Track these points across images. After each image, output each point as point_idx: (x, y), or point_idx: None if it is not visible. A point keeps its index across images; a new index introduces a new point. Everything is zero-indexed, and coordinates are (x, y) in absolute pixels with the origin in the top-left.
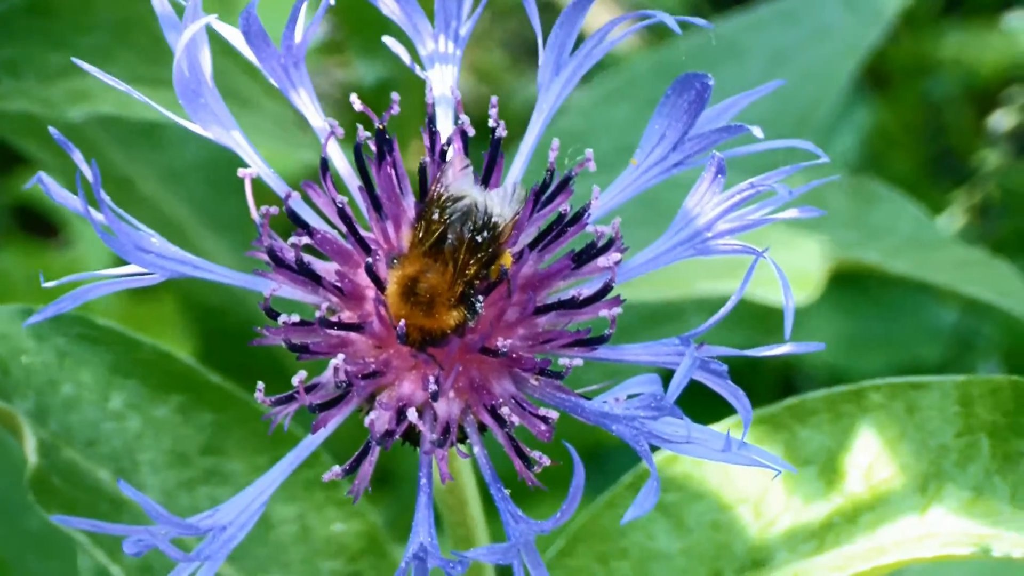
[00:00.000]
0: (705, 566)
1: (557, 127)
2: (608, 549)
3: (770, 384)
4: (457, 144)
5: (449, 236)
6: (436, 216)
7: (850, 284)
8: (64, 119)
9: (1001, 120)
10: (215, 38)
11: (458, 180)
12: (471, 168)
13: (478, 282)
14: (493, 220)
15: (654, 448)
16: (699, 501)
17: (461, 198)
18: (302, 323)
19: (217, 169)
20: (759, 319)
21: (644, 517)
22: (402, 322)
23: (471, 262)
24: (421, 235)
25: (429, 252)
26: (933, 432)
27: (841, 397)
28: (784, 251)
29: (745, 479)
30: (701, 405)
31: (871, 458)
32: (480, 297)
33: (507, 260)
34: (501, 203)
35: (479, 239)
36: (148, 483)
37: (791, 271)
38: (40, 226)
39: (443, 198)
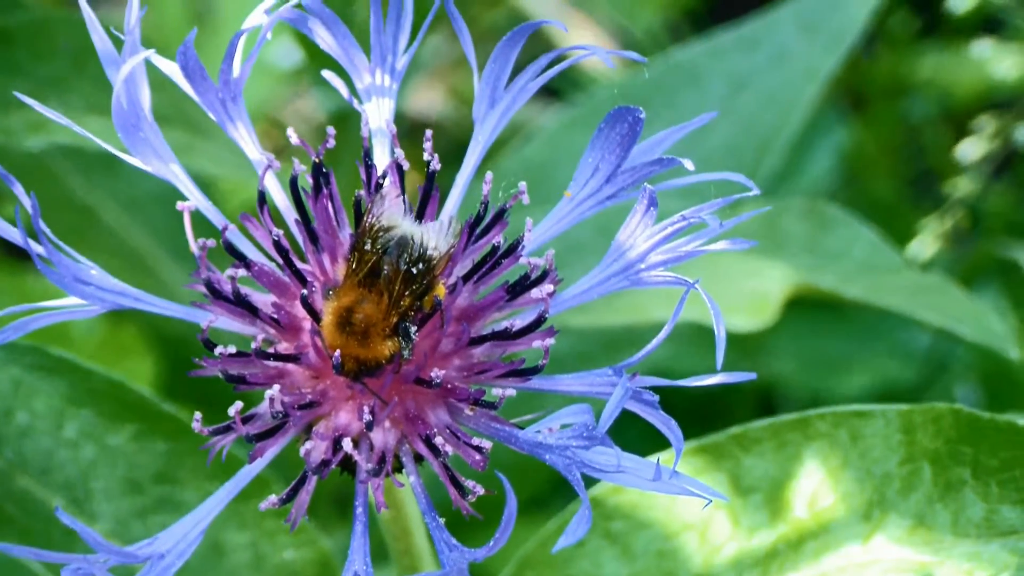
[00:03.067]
0: None
1: (523, 154)
2: None
3: (749, 406)
4: (393, 177)
5: (384, 267)
6: (369, 246)
7: (826, 307)
8: (23, 148)
9: (970, 148)
10: None
11: (391, 210)
12: (403, 199)
13: (412, 313)
14: (428, 252)
15: (588, 478)
16: (646, 529)
17: (392, 228)
18: (239, 354)
19: (176, 199)
20: (734, 344)
21: (592, 545)
22: (337, 352)
23: (406, 293)
24: (355, 266)
25: (364, 283)
26: (877, 460)
27: (786, 426)
28: (743, 277)
29: (691, 507)
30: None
31: (815, 486)
32: (414, 328)
33: (441, 292)
34: (436, 236)
35: (414, 270)
36: (102, 511)
37: (750, 297)
38: (21, 249)
39: (375, 228)
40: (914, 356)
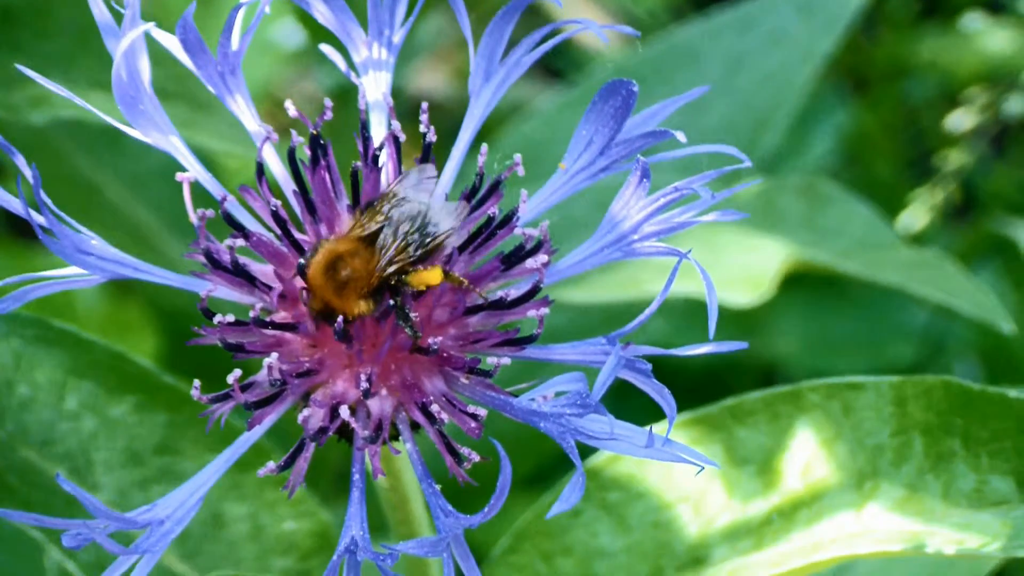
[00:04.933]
0: (647, 563)
1: (522, 132)
2: (552, 547)
3: (751, 386)
4: (389, 149)
5: (385, 230)
6: (385, 209)
7: (827, 288)
8: (30, 124)
9: (960, 119)
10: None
11: (419, 184)
12: (435, 178)
13: (395, 283)
14: (428, 228)
15: (584, 448)
16: (641, 500)
17: (411, 200)
18: (238, 323)
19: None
20: (735, 322)
21: (587, 515)
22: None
23: (396, 259)
24: (364, 221)
25: (364, 239)
26: (869, 432)
27: (779, 398)
28: (739, 252)
29: (686, 479)
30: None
31: (808, 457)
32: (393, 302)
33: (437, 276)
34: (446, 216)
35: (410, 241)
36: (102, 482)
37: (746, 272)
38: (28, 229)
39: (398, 196)
40: (913, 335)
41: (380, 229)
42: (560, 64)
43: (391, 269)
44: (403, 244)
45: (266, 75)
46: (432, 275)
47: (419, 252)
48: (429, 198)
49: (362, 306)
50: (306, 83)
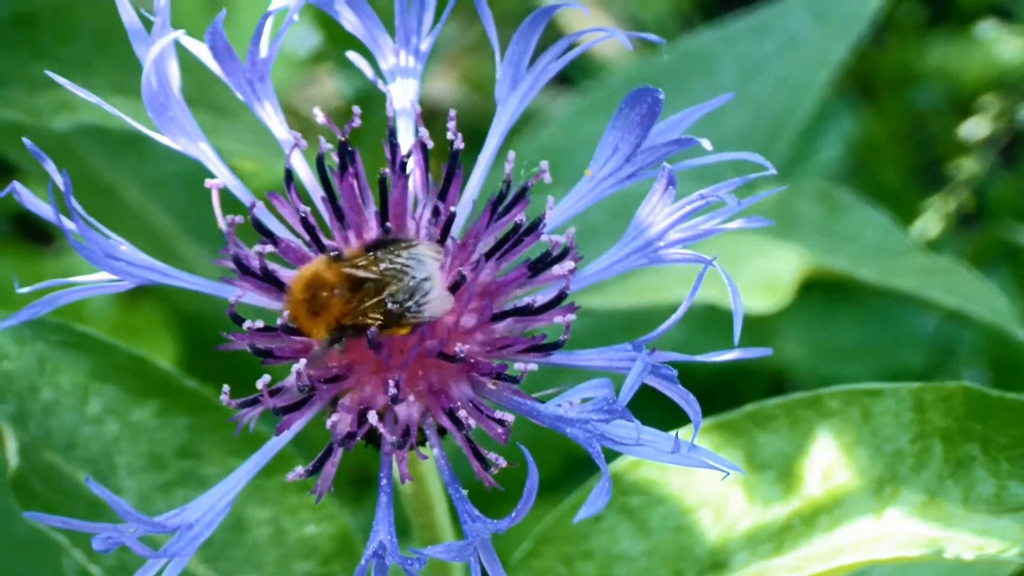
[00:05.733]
0: (667, 568)
1: (538, 141)
2: (573, 551)
3: (761, 393)
4: (417, 156)
5: (370, 284)
6: (385, 262)
7: (836, 293)
8: (49, 129)
9: (974, 128)
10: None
11: (426, 253)
12: (441, 258)
13: (358, 326)
14: (410, 305)
15: (609, 452)
16: (662, 505)
17: (408, 269)
18: (267, 328)
19: (198, 179)
20: (746, 329)
21: (608, 520)
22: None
23: (369, 314)
24: (361, 262)
25: (352, 278)
26: (888, 437)
27: (799, 403)
28: (757, 259)
29: (706, 483)
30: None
31: (828, 462)
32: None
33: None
34: (432, 296)
35: (391, 306)
36: (125, 486)
37: (764, 278)
38: (38, 234)
39: (405, 250)
40: (922, 342)
41: (367, 279)
42: (571, 71)
43: (360, 320)
44: (381, 303)
45: (277, 82)
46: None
47: (390, 319)
48: (428, 277)
49: (322, 334)
50: (315, 89)
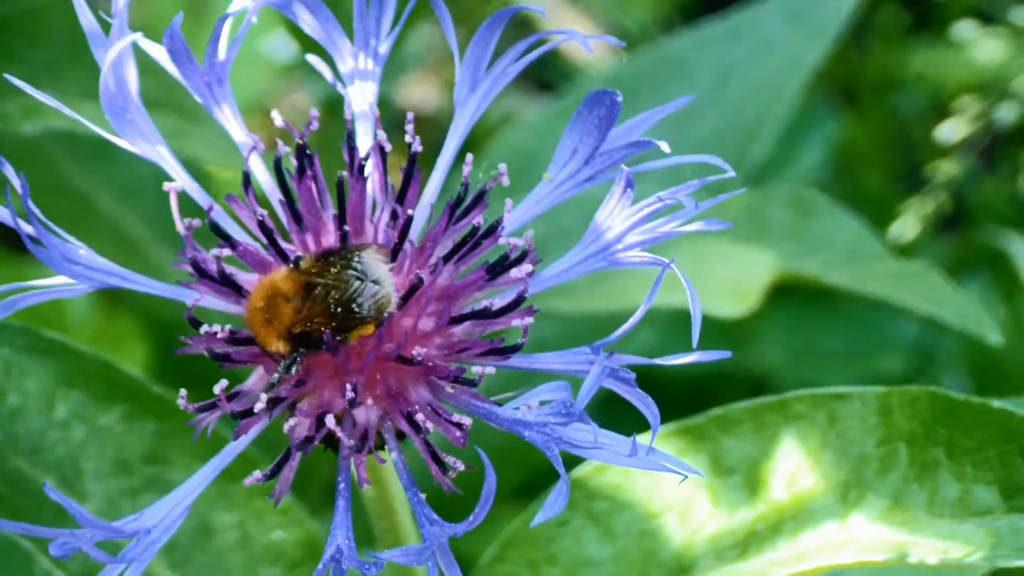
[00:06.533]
0: (633, 572)
1: (511, 143)
2: (538, 556)
3: (742, 397)
4: (375, 159)
5: (318, 289)
6: (336, 268)
7: (816, 298)
8: (21, 136)
9: (952, 130)
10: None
11: (375, 260)
12: (388, 260)
13: (314, 335)
14: (353, 308)
15: (570, 459)
16: (628, 509)
17: (359, 276)
18: (231, 334)
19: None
20: (724, 335)
21: (574, 525)
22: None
23: (315, 319)
24: (314, 270)
25: (304, 287)
26: (854, 441)
27: (765, 407)
28: (727, 264)
29: (672, 488)
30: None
31: (794, 467)
32: (298, 360)
33: (369, 331)
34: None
35: (337, 310)
36: (91, 491)
37: (734, 283)
38: (19, 240)
39: (351, 260)
40: (902, 348)
41: (317, 285)
42: (550, 76)
43: (310, 327)
44: (327, 308)
45: (257, 88)
46: (366, 330)
47: (337, 324)
48: (382, 274)
49: (279, 346)
50: (297, 96)
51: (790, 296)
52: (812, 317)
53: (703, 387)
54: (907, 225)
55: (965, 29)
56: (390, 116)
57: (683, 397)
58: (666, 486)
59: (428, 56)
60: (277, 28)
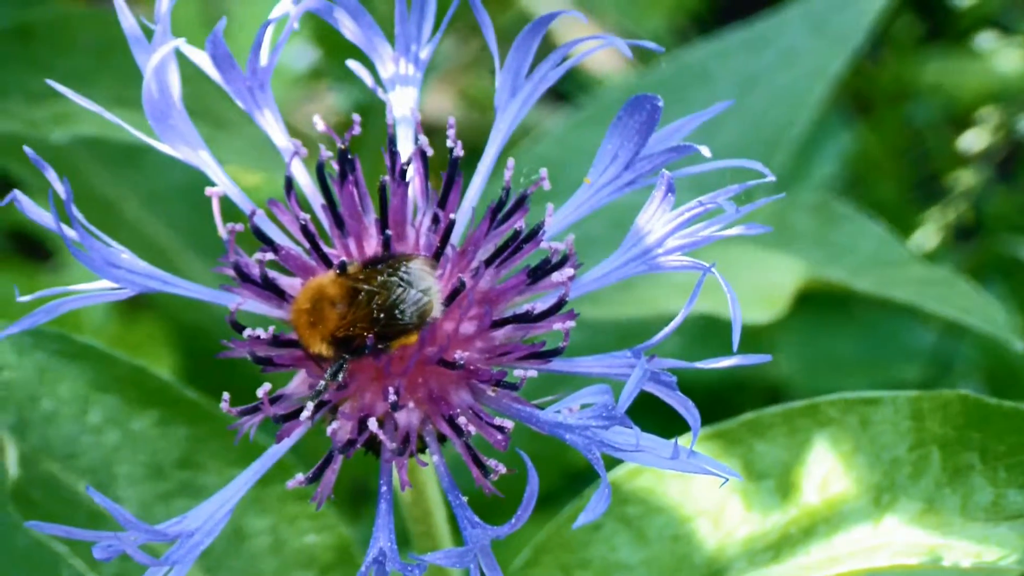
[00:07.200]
0: None
1: (534, 153)
2: (571, 560)
3: (758, 405)
4: (417, 164)
5: (363, 293)
6: (383, 275)
7: (832, 306)
8: (49, 143)
9: (972, 140)
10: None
11: (422, 270)
12: (435, 270)
13: (357, 340)
14: (395, 314)
15: (609, 459)
16: (660, 514)
17: (403, 283)
18: (274, 337)
19: (198, 191)
20: (743, 342)
21: (607, 529)
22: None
23: (358, 325)
24: (361, 276)
25: (351, 291)
26: (886, 445)
27: (797, 412)
28: (754, 270)
29: (704, 492)
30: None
31: (826, 471)
32: (345, 362)
33: (412, 340)
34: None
35: (380, 316)
36: (125, 496)
37: (761, 289)
38: (35, 250)
39: (398, 268)
40: (919, 356)
41: (361, 291)
42: (567, 87)
43: (353, 331)
44: (369, 313)
45: (275, 96)
46: (407, 338)
47: (380, 329)
48: (431, 283)
49: (322, 348)
50: (314, 106)
51: (806, 305)
52: (828, 326)
53: (720, 396)
54: (927, 235)
55: (986, 40)
56: None
57: (701, 405)
58: (698, 490)
59: (444, 66)
60: (293, 37)
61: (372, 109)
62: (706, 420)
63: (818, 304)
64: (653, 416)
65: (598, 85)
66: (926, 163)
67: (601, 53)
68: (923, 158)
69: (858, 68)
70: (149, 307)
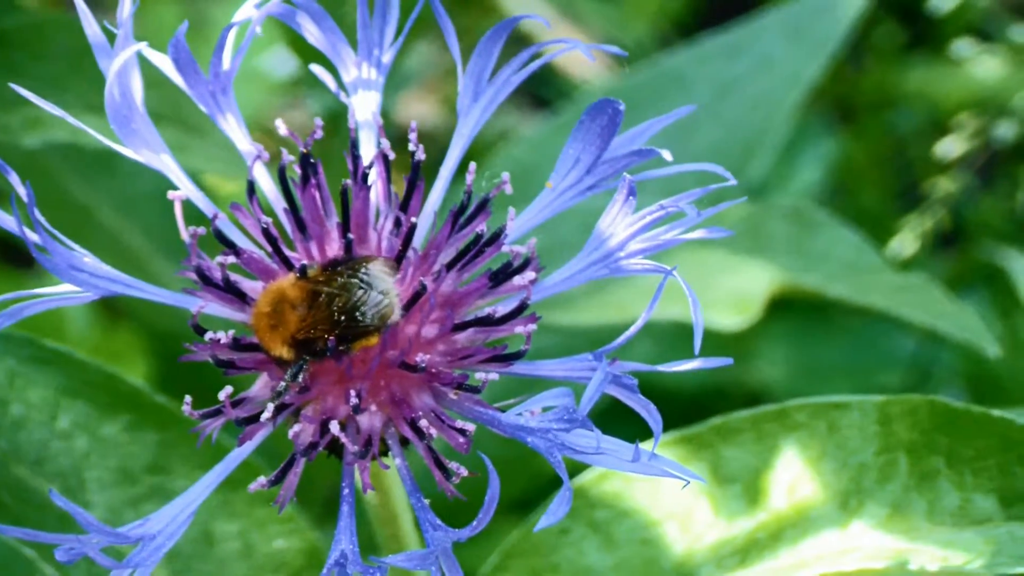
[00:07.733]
0: None
1: (510, 157)
2: (540, 564)
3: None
4: (379, 168)
5: (323, 296)
6: (338, 277)
7: (814, 314)
8: (23, 149)
9: (950, 146)
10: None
11: (381, 272)
12: (395, 273)
13: (319, 344)
14: (356, 316)
15: (576, 465)
16: (629, 518)
17: (362, 285)
18: (234, 341)
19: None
20: (723, 348)
21: (575, 533)
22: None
23: (319, 327)
24: (321, 279)
25: (311, 294)
26: (854, 450)
27: (765, 416)
28: (727, 275)
29: (673, 497)
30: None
31: (794, 476)
32: (304, 366)
33: (373, 342)
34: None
35: (340, 318)
36: (95, 500)
37: (734, 295)
38: (17, 257)
39: (358, 270)
40: (900, 363)
41: (321, 293)
42: (548, 93)
43: (313, 333)
44: (329, 315)
45: (256, 104)
46: (369, 340)
47: (341, 331)
48: (389, 286)
49: (284, 351)
50: (296, 112)
51: (787, 312)
52: (809, 333)
53: (700, 403)
54: (905, 242)
55: (965, 47)
56: (389, 133)
57: (681, 413)
58: (667, 494)
59: (426, 73)
60: (276, 44)
61: (342, 115)
62: (686, 427)
63: (800, 312)
64: (627, 424)
65: (578, 90)
66: (909, 171)
67: (583, 60)
68: (906, 166)
69: (840, 75)
70: (128, 316)
